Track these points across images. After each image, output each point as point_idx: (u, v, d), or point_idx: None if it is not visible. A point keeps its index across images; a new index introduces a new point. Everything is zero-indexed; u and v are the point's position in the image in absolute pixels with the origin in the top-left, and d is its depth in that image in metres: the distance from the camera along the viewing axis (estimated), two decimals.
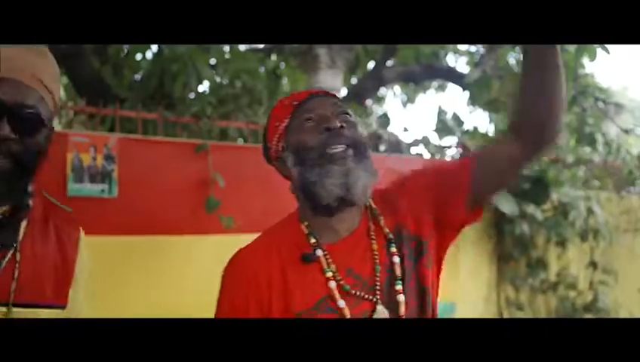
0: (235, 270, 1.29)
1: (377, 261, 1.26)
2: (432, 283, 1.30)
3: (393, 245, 1.28)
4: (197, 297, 2.79)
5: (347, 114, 1.32)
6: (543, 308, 4.55)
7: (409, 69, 5.97)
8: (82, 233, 1.31)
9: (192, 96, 3.98)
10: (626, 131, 5.65)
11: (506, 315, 4.33)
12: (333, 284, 1.23)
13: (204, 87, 4.33)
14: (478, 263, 4.24)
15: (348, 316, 1.21)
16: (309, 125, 1.28)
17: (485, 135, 5.07)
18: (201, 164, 2.99)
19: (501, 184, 1.37)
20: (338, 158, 1.24)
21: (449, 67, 6.85)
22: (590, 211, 4.44)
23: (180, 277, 2.83)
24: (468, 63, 7.11)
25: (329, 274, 1.24)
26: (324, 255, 1.26)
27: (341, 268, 1.25)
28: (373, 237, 1.29)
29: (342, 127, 1.27)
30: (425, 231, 1.31)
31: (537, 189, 4.23)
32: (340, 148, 1.25)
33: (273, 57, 5.75)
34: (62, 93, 5.10)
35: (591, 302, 4.65)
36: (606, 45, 4.07)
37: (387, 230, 1.29)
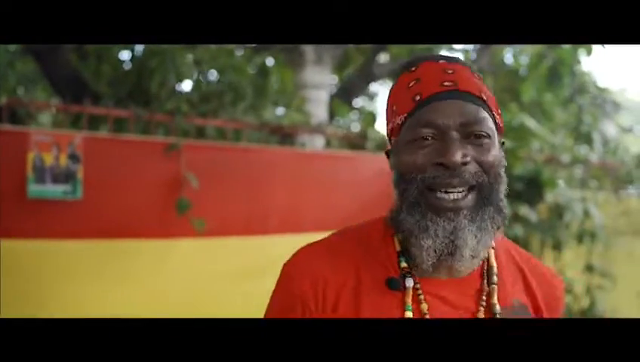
0: (296, 272, 1.02)
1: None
2: None
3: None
4: (165, 304, 2.65)
5: (484, 133, 0.97)
6: None
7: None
8: None
9: (170, 93, 3.81)
10: (625, 130, 5.52)
11: None
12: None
13: (186, 84, 4.17)
14: None
15: None
16: (424, 145, 0.98)
17: None
18: (173, 164, 2.82)
19: None
20: (447, 210, 0.96)
21: None
22: (587, 213, 4.28)
23: (147, 283, 2.66)
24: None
25: (408, 314, 0.98)
26: (415, 287, 1.00)
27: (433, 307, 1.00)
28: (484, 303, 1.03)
29: (465, 163, 0.95)
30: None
31: (531, 190, 4.07)
32: (454, 195, 0.96)
33: (261, 54, 5.59)
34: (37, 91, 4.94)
35: (588, 307, 4.49)
36: (604, 45, 3.95)
37: (495, 301, 1.02)
